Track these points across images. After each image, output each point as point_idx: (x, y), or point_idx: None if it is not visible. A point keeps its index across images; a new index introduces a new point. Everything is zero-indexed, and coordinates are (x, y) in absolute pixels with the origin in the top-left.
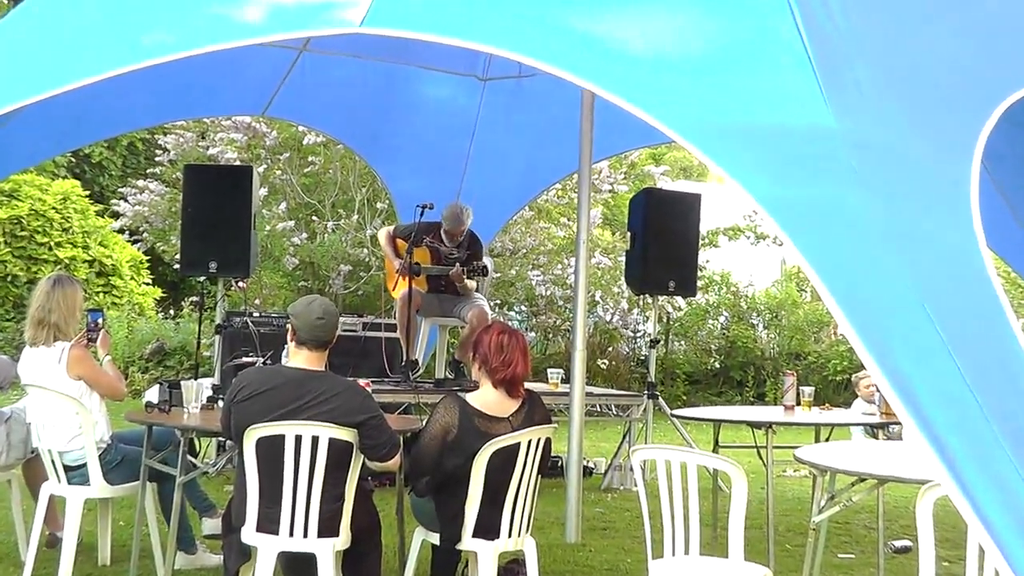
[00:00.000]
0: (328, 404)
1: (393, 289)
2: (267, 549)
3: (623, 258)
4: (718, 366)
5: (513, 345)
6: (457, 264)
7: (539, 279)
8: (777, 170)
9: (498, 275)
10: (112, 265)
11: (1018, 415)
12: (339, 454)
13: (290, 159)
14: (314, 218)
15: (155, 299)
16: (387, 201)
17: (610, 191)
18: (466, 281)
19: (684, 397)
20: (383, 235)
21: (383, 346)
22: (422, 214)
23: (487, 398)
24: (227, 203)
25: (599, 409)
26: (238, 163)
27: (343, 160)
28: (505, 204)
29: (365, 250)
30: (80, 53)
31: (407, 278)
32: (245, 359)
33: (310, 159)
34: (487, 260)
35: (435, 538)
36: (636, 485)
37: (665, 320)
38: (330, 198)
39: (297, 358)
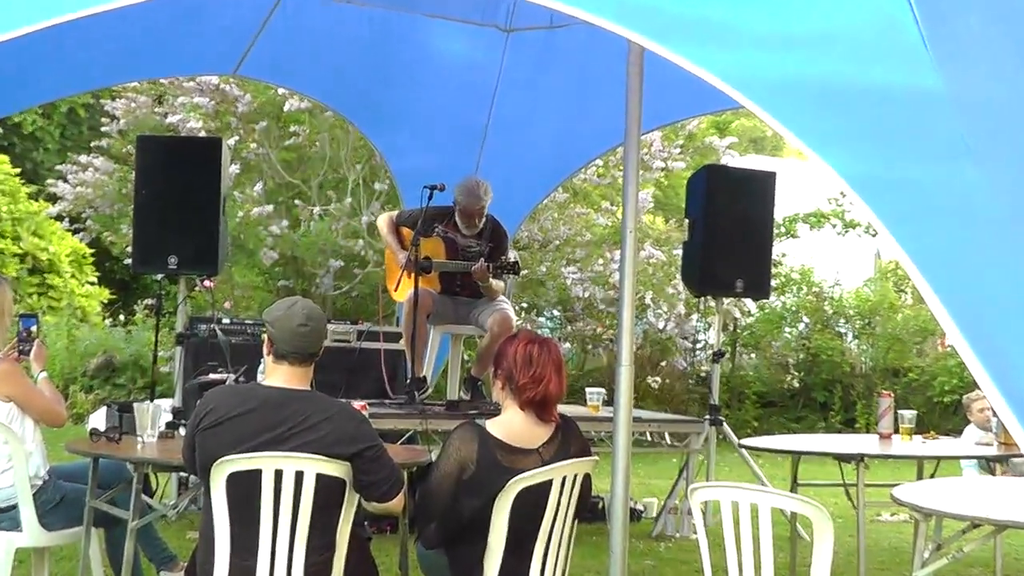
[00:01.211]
0: (315, 431)
1: (395, 290)
2: None
3: (679, 251)
4: (797, 385)
5: (545, 358)
6: (481, 260)
7: (575, 277)
8: (870, 143)
9: (525, 272)
10: (48, 260)
11: None
12: (329, 493)
13: (267, 129)
14: (297, 202)
15: (101, 302)
16: (387, 181)
17: (663, 169)
18: (491, 281)
19: (755, 423)
20: (383, 222)
21: (383, 360)
22: (430, 197)
23: (512, 425)
24: (190, 183)
25: (650, 438)
26: (203, 134)
27: (333, 131)
28: (533, 185)
29: (360, 241)
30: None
31: (413, 276)
32: (212, 376)
33: (292, 129)
34: (513, 254)
35: None
36: (695, 532)
37: (731, 328)
38: (317, 177)
39: (276, 375)
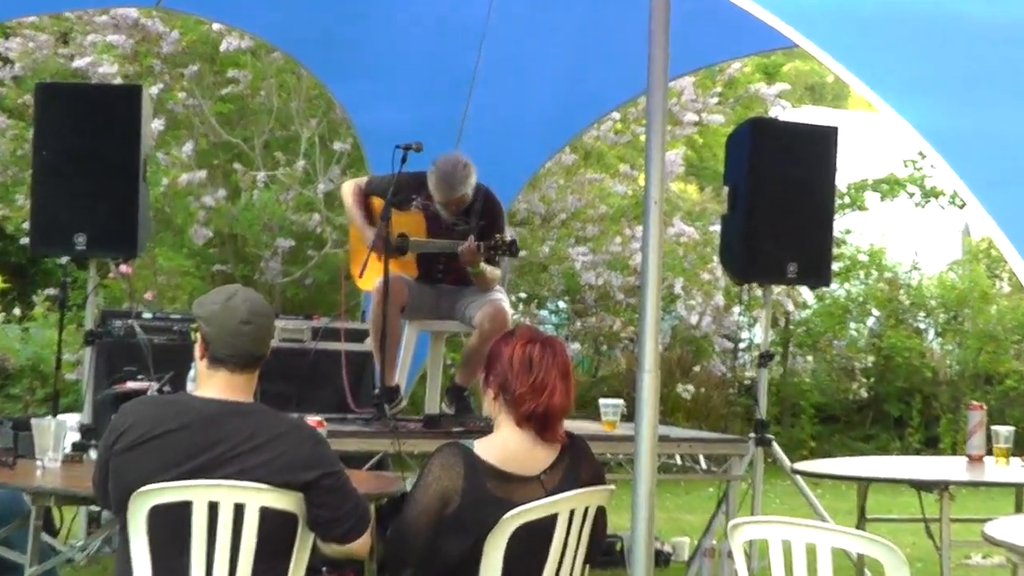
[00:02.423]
0: (259, 454)
1: (361, 276)
2: None
3: (716, 227)
4: (865, 394)
5: (548, 362)
6: (471, 238)
7: (586, 260)
8: (957, 91)
9: (523, 254)
10: None
11: None
12: (276, 532)
13: (200, 75)
14: (237, 166)
15: None
16: (349, 140)
17: (696, 123)
18: (484, 266)
19: (812, 443)
20: (348, 191)
21: (344, 365)
22: (404, 159)
23: (507, 446)
24: (102, 143)
25: (680, 462)
26: (119, 81)
27: (281, 77)
28: (534, 145)
29: (316, 216)
30: None
31: (384, 258)
32: (131, 385)
33: (230, 75)
34: (508, 232)
35: None
36: None
37: (783, 324)
38: (261, 135)
39: (211, 384)
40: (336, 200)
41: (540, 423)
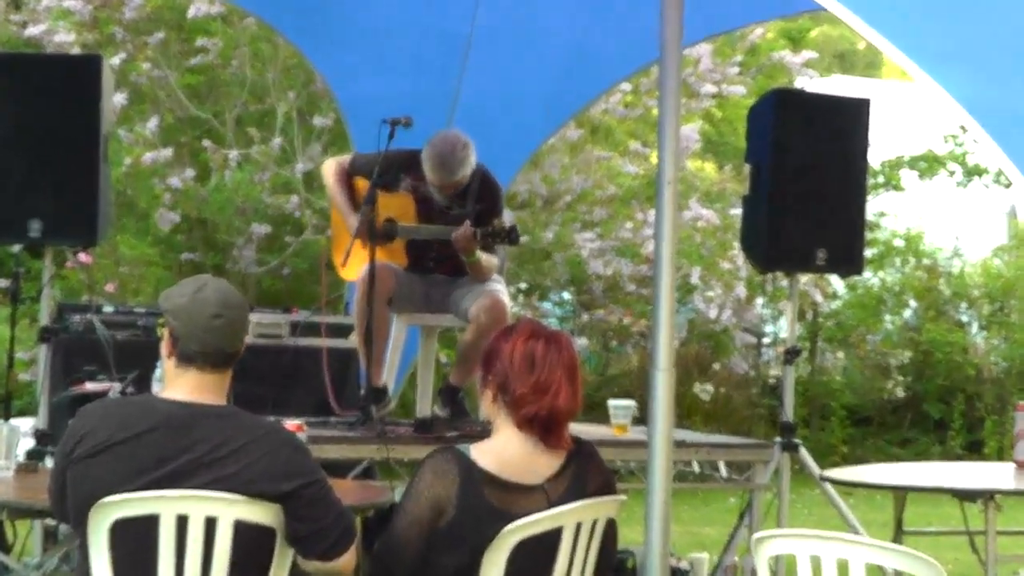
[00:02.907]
0: (233, 462)
1: (344, 265)
2: None
3: (737, 211)
4: (902, 394)
5: (553, 359)
6: (466, 223)
7: (594, 247)
8: (1001, 58)
9: (524, 240)
10: None
11: None
12: (252, 547)
13: (165, 44)
14: (206, 144)
15: None
16: (331, 114)
17: (715, 95)
18: (480, 254)
19: (844, 448)
20: (330, 171)
21: (326, 363)
22: (392, 135)
23: (507, 452)
24: (58, 120)
25: (698, 470)
26: (77, 51)
27: (255, 45)
28: (535, 120)
29: (294, 198)
30: None
31: (370, 246)
32: (90, 386)
33: (199, 43)
34: (508, 216)
35: None
36: None
37: (811, 316)
38: (233, 110)
39: (179, 384)
40: (316, 181)
41: (543, 427)
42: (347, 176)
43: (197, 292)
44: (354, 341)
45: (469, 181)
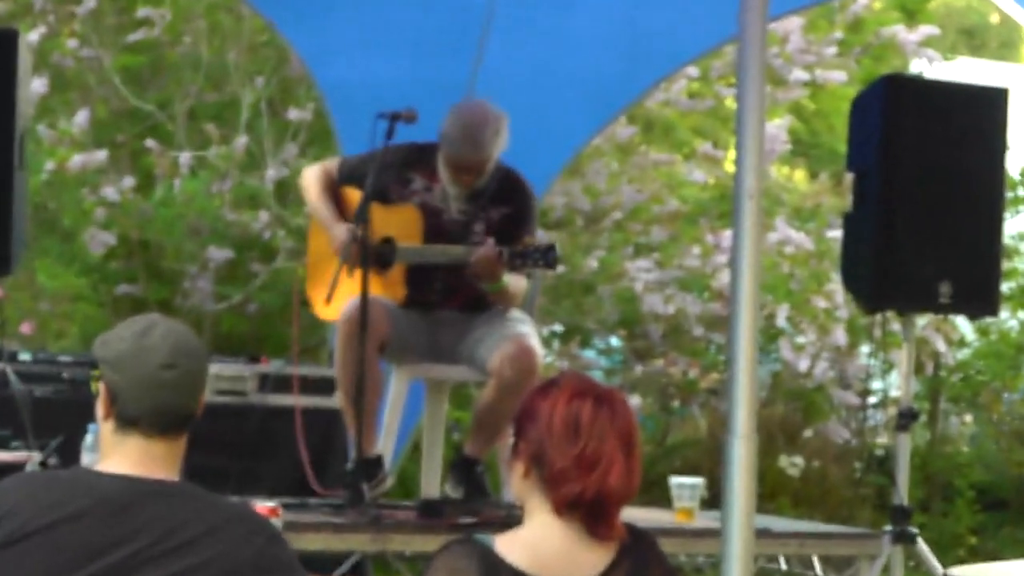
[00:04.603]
0: (188, 555)
1: (328, 301)
2: None
3: (836, 232)
4: None
5: (604, 425)
6: (489, 242)
7: (650, 279)
8: None
9: (561, 269)
10: None
11: None
12: None
13: (97, 14)
14: (150, 144)
15: None
16: (311, 106)
17: (807, 83)
18: (506, 278)
19: (972, 539)
20: (312, 179)
21: (299, 428)
22: (390, 134)
23: (543, 544)
24: None
25: (786, 567)
26: None
27: (213, 16)
28: (573, 115)
29: (263, 215)
30: None
31: (362, 274)
32: (1, 455)
33: (141, 14)
34: (541, 236)
35: None
36: None
37: (931, 370)
38: (185, 99)
39: (119, 454)
40: (292, 192)
41: (589, 513)
42: (331, 184)
43: (142, 337)
44: (339, 400)
45: (487, 182)
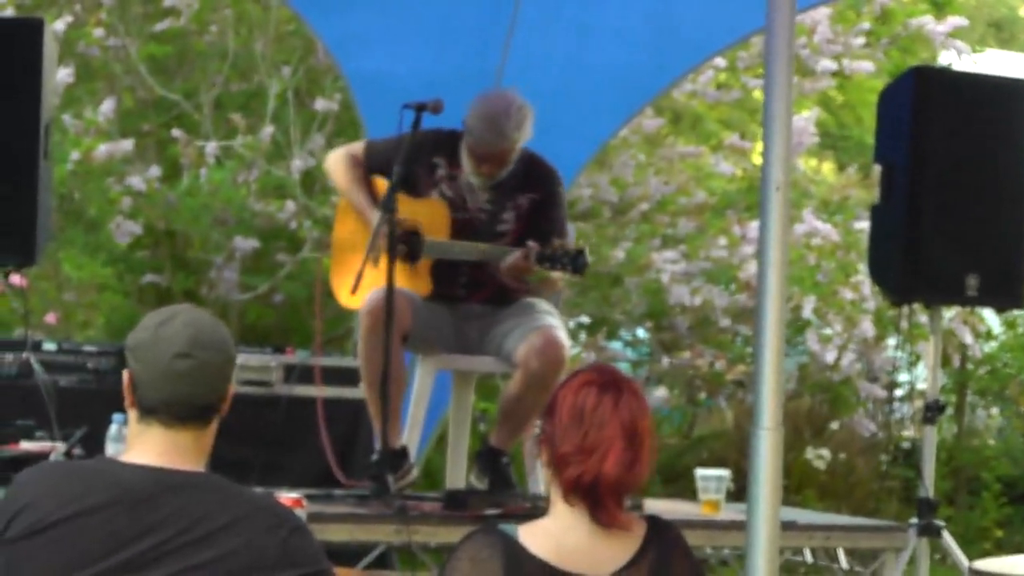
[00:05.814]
0: (211, 546)
1: (354, 291)
2: None
3: (864, 224)
4: None
5: (605, 411)
6: (531, 247)
7: (677, 270)
8: None
9: (590, 261)
10: None
11: None
12: None
13: (123, 3)
14: (176, 133)
15: None
16: (337, 96)
17: (835, 74)
18: (547, 273)
19: (998, 532)
20: (339, 163)
21: (322, 419)
22: (416, 124)
23: (566, 535)
24: None
25: (812, 559)
26: (11, 13)
27: (240, 6)
28: (600, 106)
29: (289, 205)
30: None
31: (388, 265)
32: (26, 445)
33: (167, 3)
34: (571, 232)
35: None
36: None
37: (958, 362)
38: (211, 90)
39: (142, 444)
40: (318, 182)
41: (588, 498)
42: (363, 170)
43: (161, 326)
44: (363, 391)
45: (512, 170)
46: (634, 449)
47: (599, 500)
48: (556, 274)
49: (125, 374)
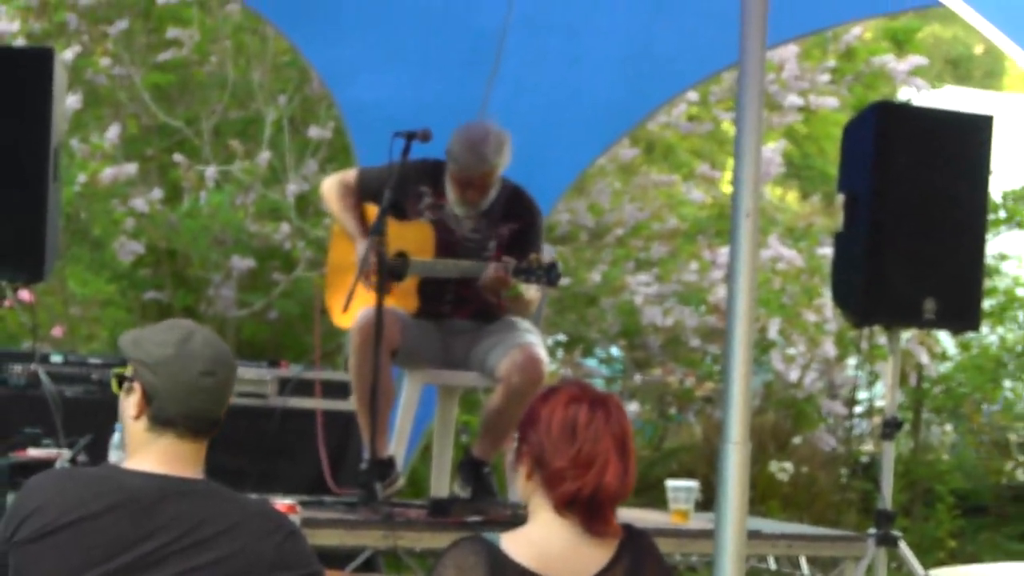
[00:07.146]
0: (210, 550)
1: (345, 310)
2: None
3: (827, 250)
4: (1023, 477)
5: (599, 428)
6: (508, 260)
7: (650, 292)
8: None
9: (566, 281)
10: None
11: None
12: None
13: (129, 34)
14: (178, 158)
15: None
16: (331, 124)
17: (801, 108)
18: (522, 288)
19: (952, 542)
20: (332, 190)
21: (320, 430)
22: (406, 152)
23: (546, 542)
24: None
25: (775, 567)
26: (22, 43)
27: (239, 37)
28: (580, 136)
29: (284, 226)
30: None
31: (377, 285)
32: (33, 452)
33: (170, 35)
34: (548, 251)
35: None
36: None
37: (914, 381)
38: (211, 116)
39: (148, 452)
40: (311, 205)
41: (587, 510)
42: (353, 195)
43: (184, 343)
44: (354, 403)
45: (495, 200)
46: (625, 461)
47: (598, 511)
48: (533, 289)
49: (136, 386)
